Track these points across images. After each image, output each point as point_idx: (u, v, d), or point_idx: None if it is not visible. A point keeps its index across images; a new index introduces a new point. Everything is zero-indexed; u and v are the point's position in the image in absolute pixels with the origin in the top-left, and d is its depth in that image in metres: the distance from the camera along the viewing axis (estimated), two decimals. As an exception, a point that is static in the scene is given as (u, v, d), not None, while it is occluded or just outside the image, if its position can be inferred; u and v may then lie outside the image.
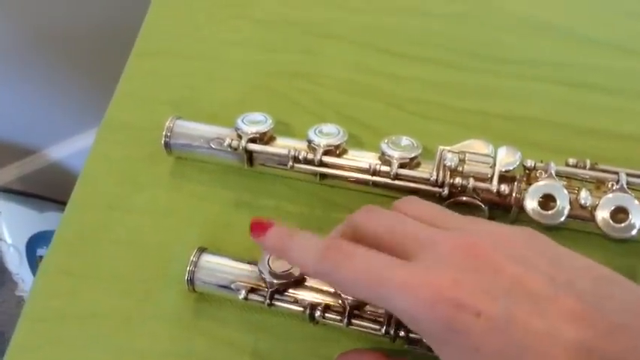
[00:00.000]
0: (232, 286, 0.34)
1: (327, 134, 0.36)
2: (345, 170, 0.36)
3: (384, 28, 0.44)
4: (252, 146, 0.37)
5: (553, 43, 0.43)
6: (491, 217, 0.35)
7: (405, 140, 0.36)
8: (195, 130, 0.39)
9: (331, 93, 0.42)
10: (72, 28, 1.00)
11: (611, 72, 0.41)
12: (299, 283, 0.33)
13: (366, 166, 0.35)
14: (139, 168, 0.41)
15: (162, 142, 0.39)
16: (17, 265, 1.12)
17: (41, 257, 1.18)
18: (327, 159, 0.36)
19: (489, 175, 0.33)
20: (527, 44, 0.43)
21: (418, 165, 0.35)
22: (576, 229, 0.34)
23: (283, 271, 0.33)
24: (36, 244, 1.14)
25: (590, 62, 0.42)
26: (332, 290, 0.33)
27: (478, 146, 0.35)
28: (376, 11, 0.45)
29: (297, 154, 0.36)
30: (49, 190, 1.22)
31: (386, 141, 0.36)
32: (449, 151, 0.34)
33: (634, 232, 0.31)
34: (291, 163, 0.36)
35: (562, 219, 0.32)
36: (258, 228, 0.30)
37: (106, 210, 0.40)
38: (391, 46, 0.43)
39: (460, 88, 0.41)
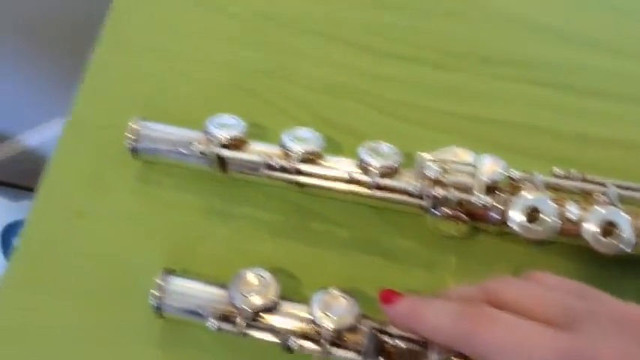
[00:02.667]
0: (202, 312, 0.32)
1: (302, 139, 0.35)
2: (323, 179, 0.34)
3: (365, 24, 0.43)
4: (225, 152, 0.35)
5: (541, 43, 0.42)
6: (474, 230, 0.34)
7: (384, 147, 0.34)
8: (162, 132, 0.37)
9: (307, 93, 0.40)
10: (42, 15, 0.97)
11: (598, 73, 0.40)
12: (272, 309, 0.32)
13: (345, 175, 0.33)
14: (104, 170, 0.39)
15: (127, 145, 0.37)
16: (-8, 255, 1.10)
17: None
18: (303, 167, 0.34)
19: (472, 187, 0.31)
20: (514, 45, 0.42)
21: (396, 172, 0.34)
22: (562, 242, 0.33)
23: (257, 296, 0.31)
24: (11, 234, 1.12)
25: (577, 63, 0.41)
26: (307, 316, 0.31)
27: (459, 154, 0.33)
28: (357, 7, 0.44)
29: (272, 162, 0.34)
30: (23, 178, 1.20)
31: (364, 147, 0.34)
32: (429, 159, 0.33)
33: (624, 246, 0.30)
34: (266, 172, 0.34)
35: (550, 234, 0.31)
36: (389, 297, 0.29)
37: (69, 218, 0.38)
38: (372, 43, 0.42)
39: (444, 90, 0.40)
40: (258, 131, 0.38)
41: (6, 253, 1.11)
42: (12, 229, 1.12)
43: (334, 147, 0.37)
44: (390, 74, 0.41)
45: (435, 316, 0.26)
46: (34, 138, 1.21)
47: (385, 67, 0.41)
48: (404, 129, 0.39)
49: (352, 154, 0.35)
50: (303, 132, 0.35)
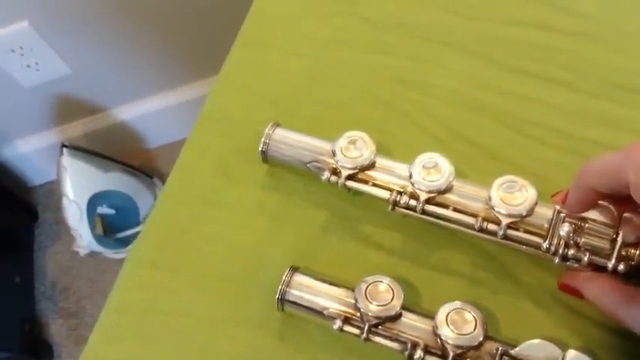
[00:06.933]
0: (325, 312, 0.34)
1: (432, 170, 0.35)
2: (449, 222, 0.35)
3: (504, 39, 0.43)
4: (352, 184, 0.37)
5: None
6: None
7: (518, 191, 0.34)
8: (293, 144, 0.39)
9: (441, 105, 0.41)
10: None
11: None
12: (396, 318, 0.33)
13: (472, 221, 0.34)
14: (234, 162, 0.42)
15: (260, 149, 0.39)
16: (77, 221, 1.16)
17: (100, 215, 1.22)
18: (429, 208, 0.35)
19: (608, 252, 0.31)
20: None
21: (530, 214, 0.33)
22: None
23: (381, 305, 0.33)
24: (97, 203, 1.18)
25: None
26: (429, 329, 0.33)
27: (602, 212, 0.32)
28: (497, 21, 0.44)
29: (398, 199, 0.35)
30: (113, 150, 1.26)
31: (497, 187, 0.34)
32: (566, 218, 0.32)
33: None
34: (390, 207, 0.36)
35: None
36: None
37: (199, 204, 0.41)
38: (510, 60, 0.42)
39: (584, 115, 0.39)
40: (388, 141, 0.40)
41: (90, 221, 1.17)
42: (99, 198, 1.18)
43: (466, 163, 0.38)
44: (528, 94, 0.41)
45: (593, 295, 0.32)
46: (129, 113, 1.26)
47: (524, 86, 0.41)
48: (542, 152, 0.39)
49: (486, 174, 0.35)
50: (438, 163, 0.35)
